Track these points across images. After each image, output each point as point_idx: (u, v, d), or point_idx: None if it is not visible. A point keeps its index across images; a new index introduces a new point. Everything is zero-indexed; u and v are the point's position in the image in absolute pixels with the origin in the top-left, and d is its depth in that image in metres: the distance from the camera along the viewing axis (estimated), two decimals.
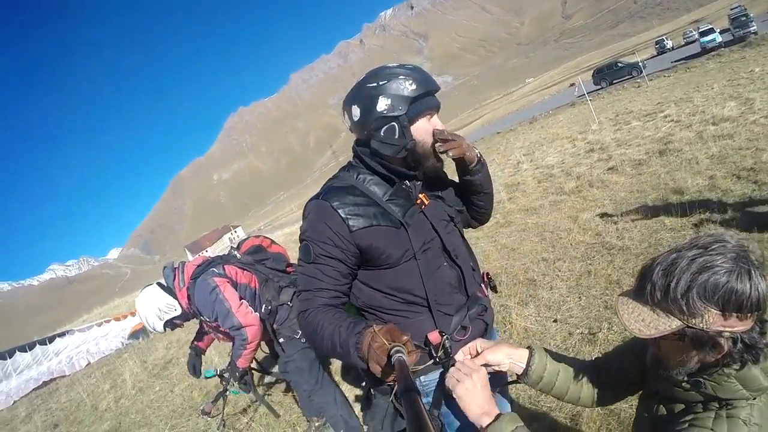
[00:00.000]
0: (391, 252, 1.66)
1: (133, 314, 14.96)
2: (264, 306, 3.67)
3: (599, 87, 37.98)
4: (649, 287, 1.18)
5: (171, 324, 3.69)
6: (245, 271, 3.72)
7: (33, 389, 12.34)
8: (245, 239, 4.08)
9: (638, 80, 29.68)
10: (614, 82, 37.73)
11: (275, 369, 4.54)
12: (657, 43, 53.23)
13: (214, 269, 3.54)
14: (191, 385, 7.20)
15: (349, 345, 1.44)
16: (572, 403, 1.64)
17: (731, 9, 38.74)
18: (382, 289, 1.72)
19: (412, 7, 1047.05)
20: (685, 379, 1.24)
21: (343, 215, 1.62)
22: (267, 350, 4.31)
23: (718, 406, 1.19)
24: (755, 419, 1.15)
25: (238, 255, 3.84)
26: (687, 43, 46.55)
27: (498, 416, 1.40)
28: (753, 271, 1.09)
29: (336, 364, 5.37)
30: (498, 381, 1.78)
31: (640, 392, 1.53)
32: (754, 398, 1.18)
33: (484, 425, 1.40)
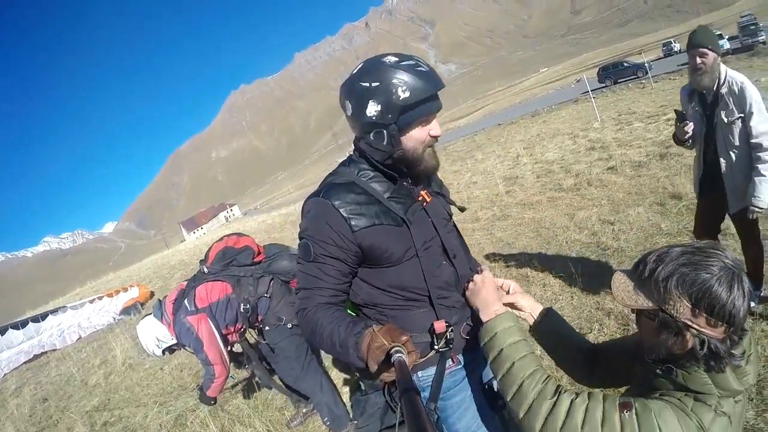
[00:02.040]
0: (394, 251, 1.64)
1: (125, 290, 14.98)
2: (242, 306, 3.75)
3: (604, 85, 37.73)
4: (641, 267, 1.30)
5: (169, 350, 3.89)
6: (215, 283, 3.77)
7: (24, 362, 12.38)
8: (211, 246, 4.08)
9: (643, 81, 29.46)
10: (619, 81, 37.36)
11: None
12: (664, 45, 52.80)
13: (187, 305, 3.64)
14: (181, 363, 7.23)
15: (348, 345, 1.45)
16: (563, 371, 1.78)
17: (741, 16, 38.51)
18: (383, 287, 1.70)
19: None
20: (659, 367, 1.31)
21: (344, 214, 1.59)
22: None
23: (693, 397, 1.25)
24: (723, 408, 1.21)
25: (206, 269, 3.87)
26: None
27: (500, 314, 1.58)
28: (736, 286, 1.16)
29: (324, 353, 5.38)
30: None
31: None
32: (724, 397, 1.23)
33: (486, 319, 1.59)
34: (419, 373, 1.72)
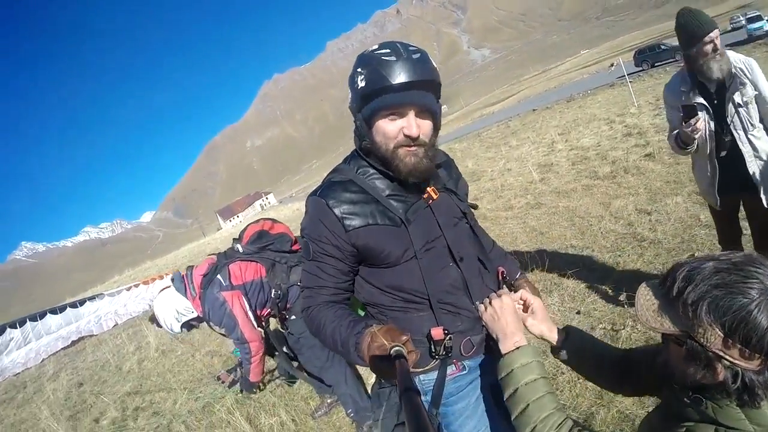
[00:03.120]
0: (390, 251, 1.60)
1: (161, 278, 15.28)
2: (274, 291, 3.69)
3: (640, 69, 36.67)
4: (669, 283, 1.15)
5: (188, 325, 3.75)
6: (250, 263, 3.71)
7: (62, 348, 12.79)
8: (246, 227, 4.03)
9: (681, 64, 28.54)
10: (656, 64, 36.14)
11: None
12: None
13: (221, 279, 3.55)
14: (212, 351, 7.34)
15: (349, 344, 1.46)
16: (591, 382, 1.74)
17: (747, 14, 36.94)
18: (382, 287, 1.69)
19: None
20: (687, 395, 1.18)
21: (338, 214, 1.57)
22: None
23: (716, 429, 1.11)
24: None
25: (240, 248, 3.82)
26: (733, 29, 43.87)
27: (519, 347, 1.48)
28: None
29: None
30: None
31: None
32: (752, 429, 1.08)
33: (505, 352, 1.49)
34: (421, 377, 1.68)
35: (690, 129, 2.96)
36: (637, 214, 6.23)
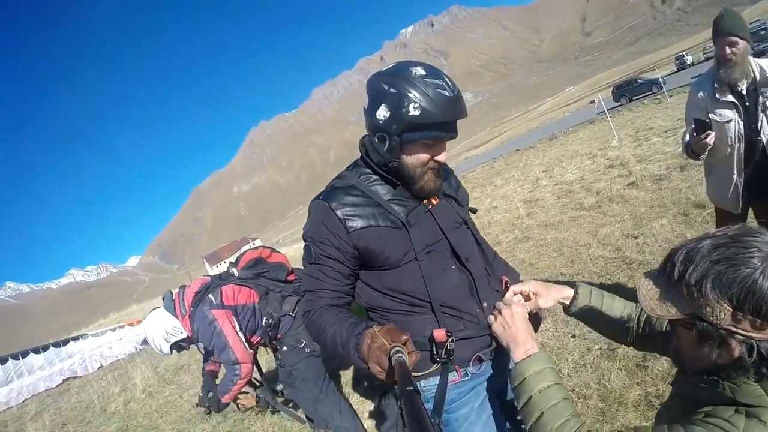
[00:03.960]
0: (391, 253, 1.61)
1: None
2: (265, 319, 3.62)
3: (619, 104, 37.54)
4: (668, 268, 1.11)
5: (177, 346, 3.68)
6: (244, 288, 3.67)
7: (45, 389, 12.48)
8: (244, 252, 4.03)
9: (658, 96, 29.37)
10: (634, 98, 37.11)
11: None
12: (677, 59, 52.70)
13: (212, 298, 3.49)
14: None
15: (350, 346, 1.44)
16: (608, 338, 1.73)
17: (750, 23, 38.19)
18: (383, 290, 1.69)
19: (432, 25, 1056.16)
20: (703, 377, 1.15)
21: (340, 216, 1.59)
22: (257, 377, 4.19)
23: (745, 412, 1.08)
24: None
25: (235, 272, 3.79)
26: (707, 59, 45.40)
27: (531, 354, 1.45)
28: None
29: (346, 376, 5.35)
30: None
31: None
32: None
33: (517, 360, 1.46)
34: (422, 383, 1.66)
35: (699, 145, 2.97)
36: (624, 239, 6.28)
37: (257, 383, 3.99)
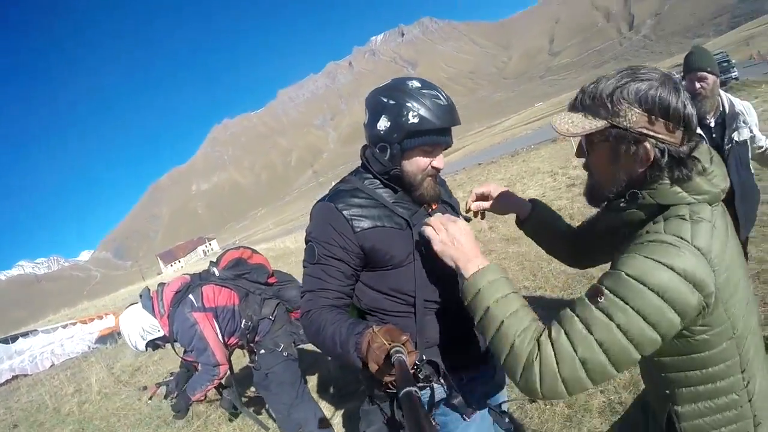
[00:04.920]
0: (395, 253, 1.67)
1: (100, 317, 14.64)
2: (244, 321, 3.63)
3: None
4: (580, 96, 1.27)
5: (153, 344, 3.66)
6: (224, 289, 3.66)
7: None
8: (225, 252, 4.03)
9: None
10: None
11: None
12: None
13: (193, 300, 3.49)
14: (159, 393, 7.08)
15: (349, 345, 1.45)
16: (553, 257, 1.87)
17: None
18: (385, 290, 1.73)
19: (402, 34, 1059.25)
20: (623, 199, 1.28)
21: (347, 216, 1.64)
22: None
23: (663, 217, 1.23)
24: (700, 214, 1.19)
25: (216, 272, 3.78)
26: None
27: (483, 266, 1.41)
28: (681, 91, 1.17)
29: (313, 382, 5.36)
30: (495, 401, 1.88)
31: None
32: (698, 203, 1.21)
33: (467, 275, 1.41)
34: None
35: None
36: None
37: (224, 384, 3.97)
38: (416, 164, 1.67)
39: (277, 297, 3.79)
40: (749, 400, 1.31)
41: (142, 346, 3.60)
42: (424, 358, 1.66)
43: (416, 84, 1.62)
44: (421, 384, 1.51)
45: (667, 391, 1.39)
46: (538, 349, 1.24)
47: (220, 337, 3.50)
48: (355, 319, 1.58)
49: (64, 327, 13.89)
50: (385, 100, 1.62)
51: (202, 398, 3.70)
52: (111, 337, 13.25)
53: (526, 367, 1.24)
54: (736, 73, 32.40)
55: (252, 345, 3.76)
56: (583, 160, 1.39)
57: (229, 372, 3.62)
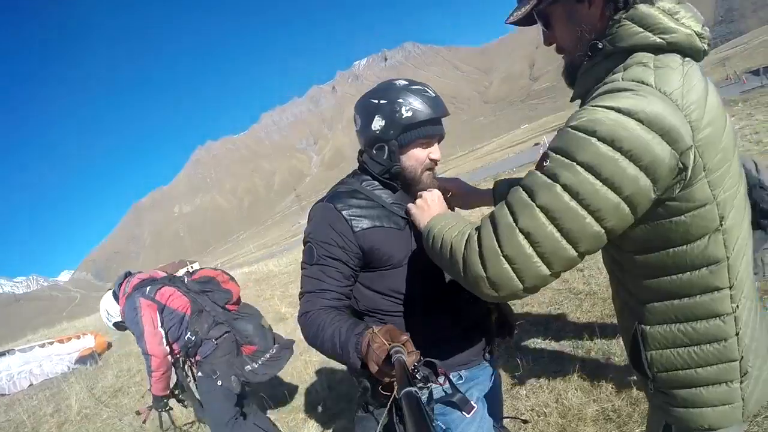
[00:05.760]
0: (394, 253, 1.69)
1: (78, 337, 14.34)
2: (189, 334, 3.65)
3: None
4: None
5: (119, 326, 3.86)
6: (183, 296, 3.73)
7: None
8: (203, 269, 4.10)
9: None
10: None
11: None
12: None
13: (148, 289, 3.61)
14: (153, 416, 6.94)
15: (349, 346, 1.45)
16: None
17: None
18: (384, 291, 1.74)
19: (385, 59, 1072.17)
20: (586, 56, 1.21)
21: (346, 216, 1.65)
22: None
23: (623, 67, 1.12)
24: (669, 64, 1.07)
25: (185, 280, 3.88)
26: None
27: (439, 213, 1.48)
28: None
29: (300, 401, 5.36)
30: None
31: None
32: (660, 41, 1.09)
33: (425, 223, 1.48)
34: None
35: None
36: (570, 272, 6.44)
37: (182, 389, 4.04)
38: (415, 158, 1.71)
39: (230, 325, 3.78)
40: (737, 334, 1.15)
41: (110, 326, 3.87)
42: (422, 358, 1.61)
43: (403, 82, 1.70)
44: (420, 384, 1.48)
45: (635, 306, 1.26)
46: (478, 231, 1.19)
47: (161, 330, 3.55)
48: (354, 320, 1.57)
49: (42, 346, 13.58)
50: (376, 101, 1.68)
51: (163, 392, 3.74)
52: (91, 357, 12.95)
53: (467, 253, 1.18)
54: None
55: (192, 362, 3.80)
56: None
57: (170, 372, 3.69)
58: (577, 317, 4.96)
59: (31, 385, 12.34)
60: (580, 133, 1.00)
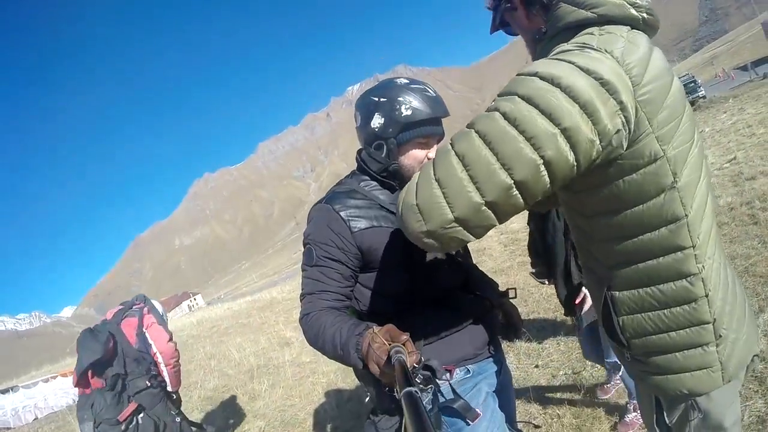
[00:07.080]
0: (393, 253, 1.67)
1: None
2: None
3: None
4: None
5: None
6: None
7: None
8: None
9: None
10: None
11: None
12: None
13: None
14: None
15: (350, 346, 1.44)
16: None
17: (680, 77, 40.75)
18: (384, 291, 1.73)
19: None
20: (544, 34, 1.26)
21: (344, 217, 1.64)
22: None
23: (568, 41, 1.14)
24: (613, 32, 1.09)
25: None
26: None
27: None
28: None
29: (308, 421, 5.35)
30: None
31: None
32: (592, 14, 1.12)
33: None
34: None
35: None
36: None
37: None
38: (413, 157, 1.70)
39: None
40: (706, 296, 1.15)
41: None
42: (422, 360, 1.57)
43: (404, 80, 1.71)
44: (421, 385, 1.48)
45: (604, 273, 1.26)
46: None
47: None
48: (355, 320, 1.55)
49: (45, 381, 13.52)
50: (377, 98, 1.68)
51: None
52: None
53: (407, 186, 1.19)
54: (703, 92, 33.46)
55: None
56: None
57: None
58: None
59: (36, 418, 12.27)
60: (522, 75, 1.05)
